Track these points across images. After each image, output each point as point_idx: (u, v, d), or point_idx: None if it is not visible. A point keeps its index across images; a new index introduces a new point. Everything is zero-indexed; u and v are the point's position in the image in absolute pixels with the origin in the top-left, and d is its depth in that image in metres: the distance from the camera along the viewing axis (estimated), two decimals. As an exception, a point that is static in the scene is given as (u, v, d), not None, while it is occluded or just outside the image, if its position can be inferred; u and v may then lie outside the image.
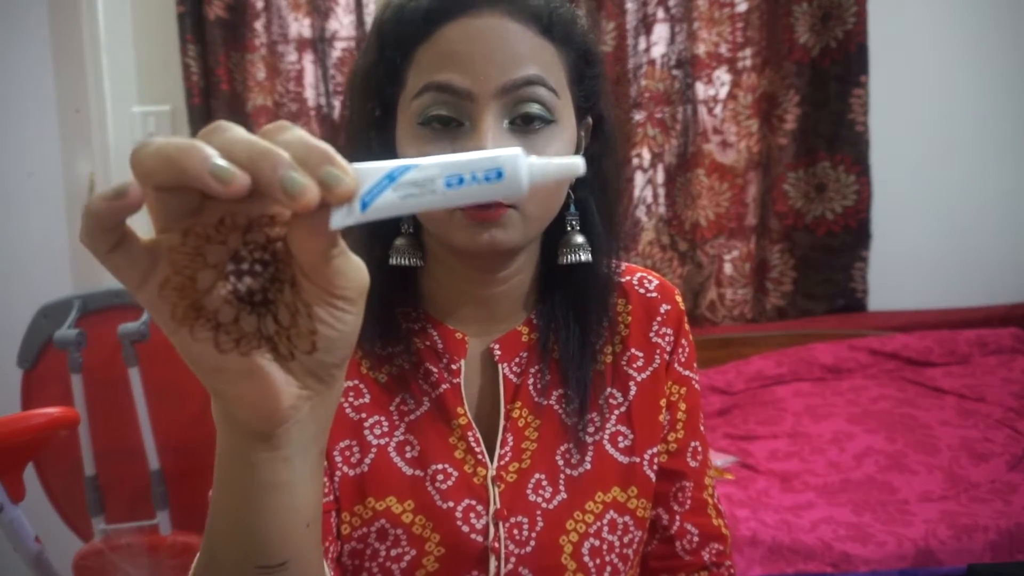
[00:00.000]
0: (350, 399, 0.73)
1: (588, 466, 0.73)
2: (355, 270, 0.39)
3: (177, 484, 1.54)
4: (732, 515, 1.64)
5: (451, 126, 0.65)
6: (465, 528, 0.69)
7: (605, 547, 0.72)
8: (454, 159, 0.37)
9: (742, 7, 2.48)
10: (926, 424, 2.01)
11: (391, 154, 0.70)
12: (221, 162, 0.33)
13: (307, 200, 0.33)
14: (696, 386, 0.80)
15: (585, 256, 0.71)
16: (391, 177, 0.36)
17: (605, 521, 0.72)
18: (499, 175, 0.36)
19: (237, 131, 0.35)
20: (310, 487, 0.43)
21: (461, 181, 0.36)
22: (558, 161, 0.38)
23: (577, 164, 0.39)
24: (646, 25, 2.48)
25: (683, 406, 0.79)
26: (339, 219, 0.36)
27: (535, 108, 0.65)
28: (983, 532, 1.55)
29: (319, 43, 2.42)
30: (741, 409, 2.20)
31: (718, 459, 1.92)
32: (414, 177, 0.36)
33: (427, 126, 0.65)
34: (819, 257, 2.55)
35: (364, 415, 0.72)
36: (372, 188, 0.36)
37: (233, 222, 0.37)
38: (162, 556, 1.54)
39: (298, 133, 0.35)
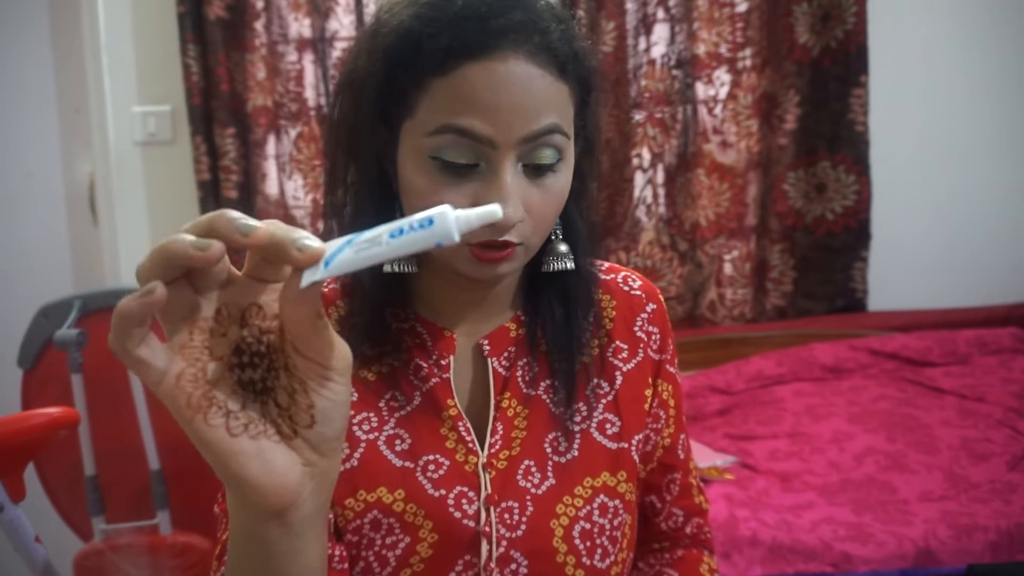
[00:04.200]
0: None
1: (576, 453, 0.76)
2: (340, 345, 0.46)
3: (177, 484, 1.54)
4: (732, 515, 1.64)
5: (464, 163, 0.65)
6: (457, 514, 0.71)
7: (596, 530, 0.74)
8: (396, 224, 0.45)
9: (742, 7, 2.47)
10: (926, 424, 2.01)
11: (379, 163, 0.71)
12: (246, 221, 0.42)
13: (310, 254, 0.42)
14: (679, 380, 0.86)
15: (569, 264, 0.74)
16: (349, 241, 0.43)
17: (595, 505, 0.75)
18: (430, 222, 0.43)
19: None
20: (318, 548, 0.50)
21: (401, 232, 0.43)
22: (478, 211, 0.45)
23: (494, 211, 0.45)
24: (646, 25, 2.48)
25: (672, 403, 0.84)
26: (307, 277, 0.43)
27: (549, 153, 0.67)
28: (983, 532, 1.55)
29: (319, 43, 2.42)
30: (741, 409, 2.20)
31: (718, 459, 1.92)
32: (367, 236, 0.44)
33: (439, 160, 0.65)
34: (819, 257, 2.55)
35: (351, 412, 0.73)
36: (335, 252, 0.43)
37: (228, 312, 0.45)
38: (162, 556, 1.54)
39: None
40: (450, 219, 0.43)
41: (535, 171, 0.67)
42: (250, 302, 0.45)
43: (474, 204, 0.65)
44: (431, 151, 0.65)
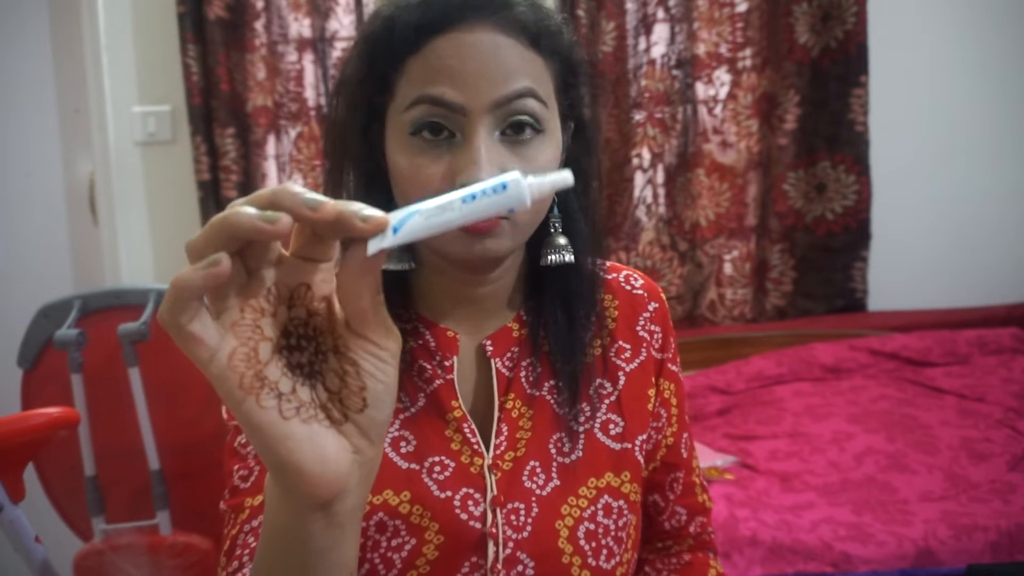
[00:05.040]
0: None
1: (580, 454, 0.76)
2: (393, 326, 0.45)
3: (177, 484, 1.54)
4: (732, 515, 1.64)
5: (442, 136, 0.66)
6: (463, 516, 0.71)
7: (600, 530, 0.74)
8: (468, 189, 0.44)
9: (742, 7, 2.48)
10: (926, 424, 2.01)
11: (376, 161, 0.72)
12: (313, 195, 0.40)
13: (376, 222, 0.41)
14: (681, 378, 0.86)
15: (568, 257, 0.73)
16: (417, 211, 0.43)
17: (600, 505, 0.75)
18: (504, 187, 0.44)
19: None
20: (354, 544, 0.49)
21: (474, 197, 0.43)
22: (551, 177, 0.46)
23: (567, 177, 0.47)
24: (646, 25, 2.48)
25: (674, 401, 0.84)
26: (374, 245, 0.42)
27: (525, 119, 0.67)
28: (983, 532, 1.55)
29: (319, 43, 2.42)
30: (741, 409, 2.20)
31: (718, 459, 1.92)
32: (436, 203, 0.43)
33: (418, 136, 0.66)
34: (819, 257, 2.55)
35: None
36: (402, 219, 0.43)
37: (278, 292, 0.43)
38: (162, 556, 1.54)
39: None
40: (523, 185, 0.44)
41: (514, 140, 0.67)
42: (299, 282, 0.43)
43: (449, 173, 0.66)
44: (409, 127, 0.66)
